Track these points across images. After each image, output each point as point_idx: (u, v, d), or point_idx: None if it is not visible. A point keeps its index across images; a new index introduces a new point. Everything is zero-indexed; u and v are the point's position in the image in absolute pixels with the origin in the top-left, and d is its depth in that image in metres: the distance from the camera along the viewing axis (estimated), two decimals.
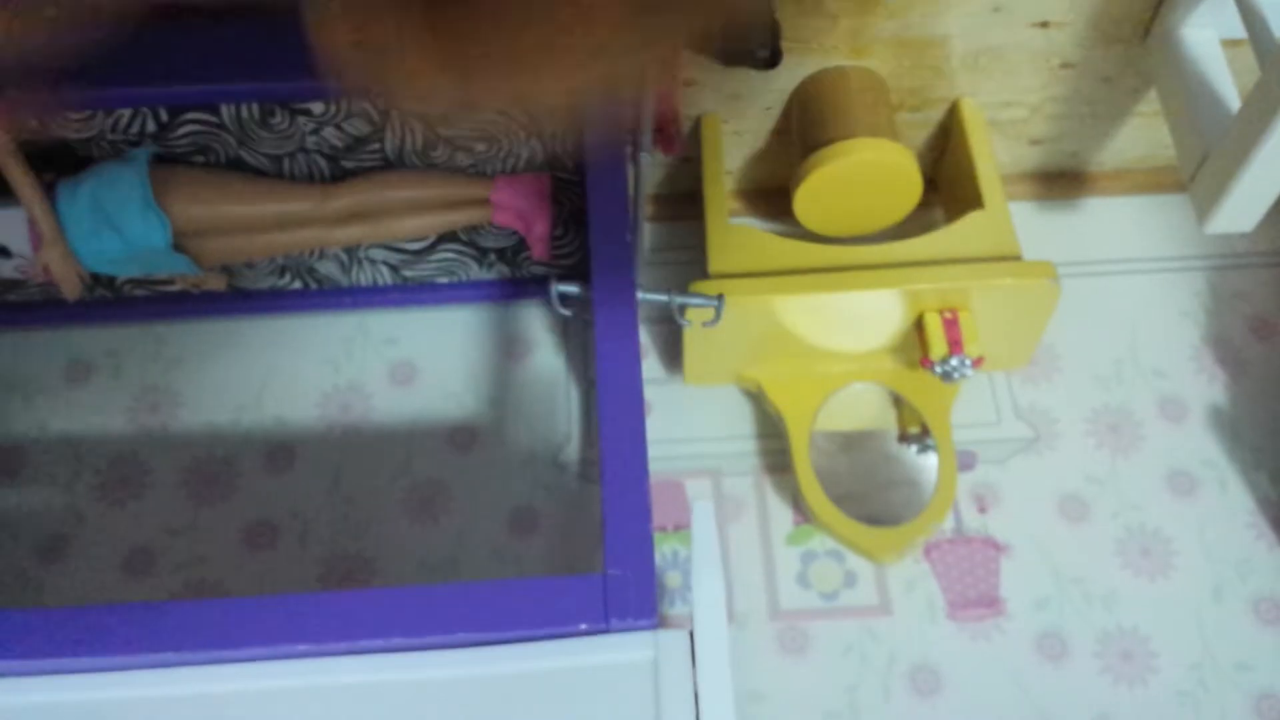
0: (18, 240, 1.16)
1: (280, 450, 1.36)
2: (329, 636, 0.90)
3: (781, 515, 1.31)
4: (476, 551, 1.31)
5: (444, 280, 1.38)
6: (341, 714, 0.89)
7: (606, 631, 0.85)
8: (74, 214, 1.14)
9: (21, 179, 1.12)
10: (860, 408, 1.31)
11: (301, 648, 0.90)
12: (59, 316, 1.40)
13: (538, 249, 1.29)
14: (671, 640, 0.85)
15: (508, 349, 1.42)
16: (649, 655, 0.85)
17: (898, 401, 1.32)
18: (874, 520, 1.25)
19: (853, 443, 1.31)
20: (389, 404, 1.39)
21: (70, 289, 1.18)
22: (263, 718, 0.88)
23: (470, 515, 1.33)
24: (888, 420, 1.33)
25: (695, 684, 0.83)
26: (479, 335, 1.43)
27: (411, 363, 1.41)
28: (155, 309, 1.39)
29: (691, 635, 0.85)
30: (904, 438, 1.32)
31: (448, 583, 1.05)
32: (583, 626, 0.85)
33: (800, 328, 1.24)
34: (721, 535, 1.30)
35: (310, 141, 1.18)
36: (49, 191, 1.14)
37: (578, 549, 1.30)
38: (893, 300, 1.21)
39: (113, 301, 1.38)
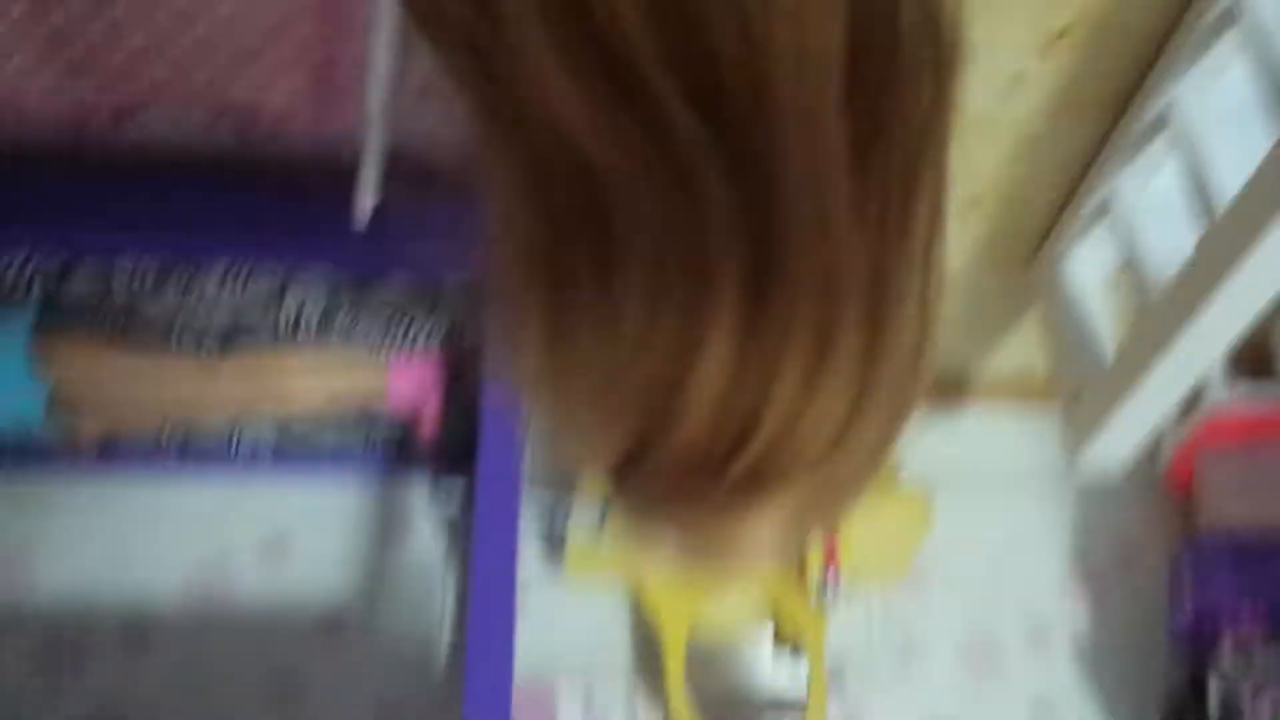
0: None
1: (135, 628, 1.29)
2: None
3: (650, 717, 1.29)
4: None
5: (327, 450, 1.35)
6: None
7: None
8: None
9: None
10: (736, 613, 1.31)
11: None
12: None
13: (428, 429, 1.27)
14: None
15: (387, 530, 1.39)
16: None
17: (772, 613, 1.32)
18: None
19: (726, 655, 1.31)
20: (255, 583, 1.34)
21: None
22: None
23: (331, 708, 1.27)
24: (761, 627, 1.32)
25: None
26: (359, 513, 1.39)
27: (283, 541, 1.37)
28: (13, 460, 1.31)
29: None
30: (778, 644, 1.32)
31: None
32: None
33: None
34: None
35: (202, 314, 1.16)
36: None
37: None
38: None
39: None
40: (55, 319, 1.15)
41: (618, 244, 0.34)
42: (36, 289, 1.13)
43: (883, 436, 0.38)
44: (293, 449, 1.34)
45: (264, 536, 1.37)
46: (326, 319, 1.19)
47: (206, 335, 1.19)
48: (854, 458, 0.37)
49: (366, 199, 1.03)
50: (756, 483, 0.36)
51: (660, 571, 1.29)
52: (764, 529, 0.39)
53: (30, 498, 1.35)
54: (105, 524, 1.34)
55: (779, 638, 1.32)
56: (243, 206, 1.13)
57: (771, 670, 1.31)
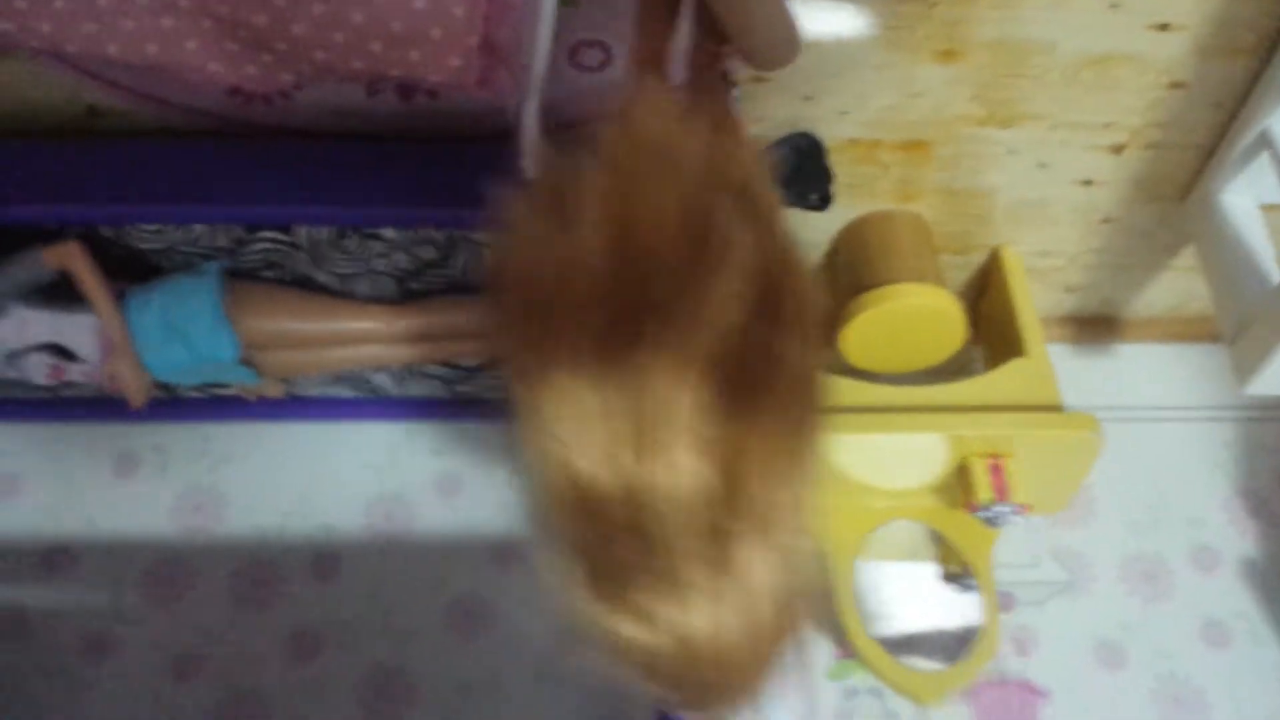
0: (86, 346, 1.18)
1: (324, 557, 1.37)
2: None
3: (823, 649, 1.31)
4: (519, 671, 1.31)
5: (495, 396, 1.39)
6: None
7: None
8: (144, 325, 1.16)
9: (95, 289, 1.14)
10: (903, 544, 1.33)
11: None
12: (109, 412, 1.41)
13: None
14: None
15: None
16: None
17: (938, 540, 1.33)
18: (916, 660, 1.26)
19: (894, 580, 1.32)
20: (433, 516, 1.40)
21: (136, 398, 1.20)
22: None
23: (512, 632, 1.33)
24: (929, 557, 1.34)
25: None
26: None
27: (457, 476, 1.43)
28: (205, 409, 1.40)
29: None
30: (945, 576, 1.33)
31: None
32: None
33: (846, 464, 1.26)
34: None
35: (379, 264, 1.21)
36: (119, 300, 1.16)
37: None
38: (938, 444, 1.23)
39: (163, 401, 1.40)
40: (242, 273, 1.21)
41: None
42: (224, 246, 1.19)
43: (773, 648, 0.57)
44: (462, 389, 1.39)
45: (438, 472, 1.43)
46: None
47: (382, 284, 1.23)
48: (764, 660, 0.58)
49: (528, 159, 1.06)
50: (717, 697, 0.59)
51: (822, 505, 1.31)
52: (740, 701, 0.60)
53: (223, 442, 1.43)
54: (291, 465, 1.42)
55: (947, 565, 1.33)
56: (409, 169, 1.17)
57: (941, 598, 1.32)
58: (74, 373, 1.21)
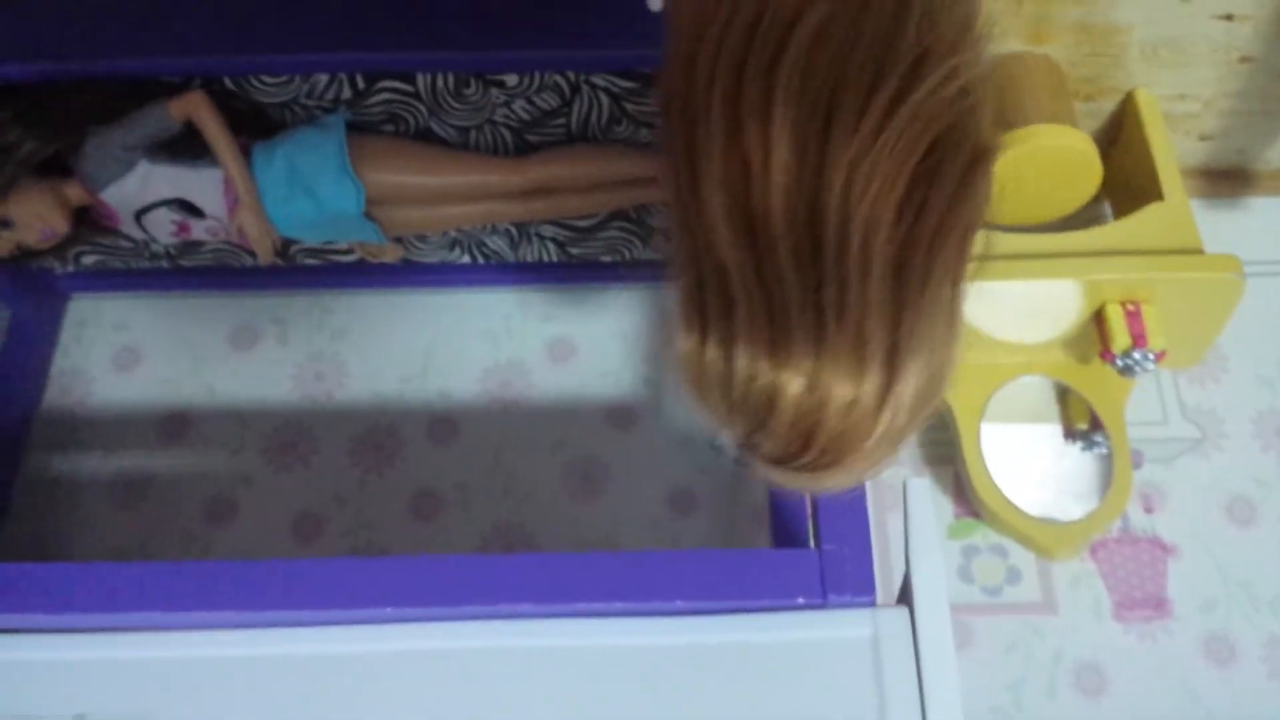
0: (212, 201, 1.18)
1: (443, 422, 1.38)
2: (527, 597, 0.91)
3: (942, 508, 1.30)
4: (635, 529, 1.31)
5: (607, 259, 1.39)
6: (539, 678, 0.89)
7: (823, 607, 0.85)
8: (270, 177, 1.16)
9: (221, 139, 1.14)
10: (1028, 401, 1.30)
11: (502, 608, 0.91)
12: (227, 283, 1.43)
13: None
14: (892, 618, 0.84)
15: (665, 330, 1.42)
16: (867, 633, 0.84)
17: (1064, 396, 1.30)
18: (1040, 516, 1.24)
19: (1020, 436, 1.30)
20: (548, 380, 1.40)
21: (264, 251, 1.20)
22: (463, 676, 0.89)
23: (628, 493, 1.33)
24: (1054, 415, 1.31)
25: (917, 663, 0.82)
26: (638, 315, 1.44)
27: (570, 341, 1.42)
28: (322, 278, 1.42)
29: (911, 613, 0.84)
30: (1070, 434, 1.30)
31: (661, 549, 1.05)
32: (799, 601, 0.85)
33: (972, 316, 1.23)
34: (879, 524, 1.29)
35: (499, 114, 1.19)
36: (245, 155, 1.16)
37: (738, 532, 1.31)
38: (1072, 291, 1.20)
39: (281, 269, 1.41)
40: (363, 127, 1.21)
41: (735, 311, 0.56)
42: (345, 98, 1.18)
43: (909, 426, 0.59)
44: (575, 251, 1.38)
45: (551, 337, 1.42)
46: (610, 126, 1.21)
47: (501, 136, 1.22)
48: (890, 441, 0.59)
49: None
50: (827, 460, 0.59)
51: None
52: (842, 478, 0.61)
53: (341, 313, 1.44)
54: (408, 333, 1.43)
55: (1074, 422, 1.30)
56: (531, 13, 1.15)
57: (1067, 451, 1.29)
58: (199, 230, 1.22)
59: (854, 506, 0.88)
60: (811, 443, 0.58)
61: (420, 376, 1.40)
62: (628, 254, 1.39)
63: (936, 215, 0.57)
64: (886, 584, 1.11)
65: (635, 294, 1.44)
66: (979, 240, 0.62)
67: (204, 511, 1.34)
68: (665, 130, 0.64)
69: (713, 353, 0.58)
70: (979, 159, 0.60)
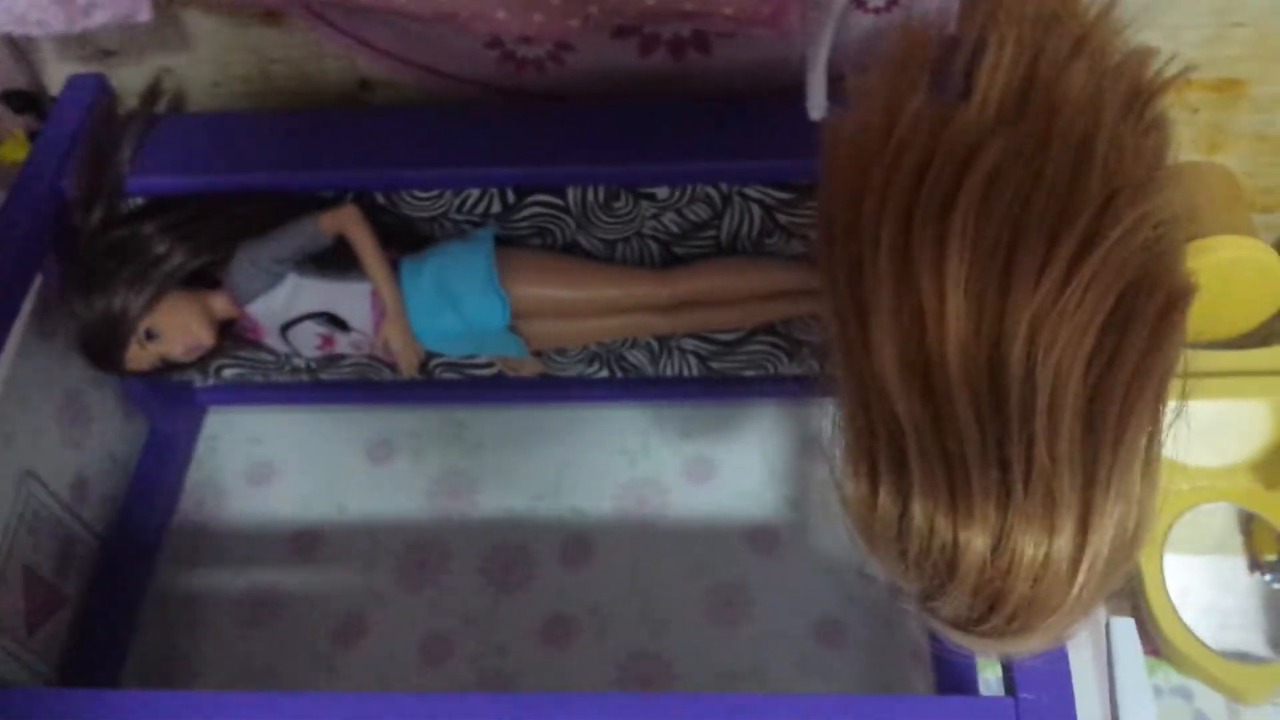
0: (358, 315, 1.17)
1: (577, 542, 1.33)
2: None
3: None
4: (780, 661, 1.24)
5: (749, 374, 1.34)
6: None
7: None
8: (417, 291, 1.15)
9: (371, 253, 1.14)
10: (1212, 530, 1.21)
11: None
12: (363, 397, 1.42)
13: None
14: None
15: (809, 449, 1.37)
16: None
17: (1250, 524, 1.21)
18: (1229, 655, 1.13)
19: (1204, 569, 1.20)
20: (686, 500, 1.35)
21: (408, 365, 1.18)
22: None
23: (772, 622, 1.26)
24: (1240, 545, 1.21)
25: None
26: (780, 433, 1.38)
27: (710, 459, 1.37)
28: (459, 393, 1.39)
29: None
30: (1258, 565, 1.20)
31: (812, 689, 0.99)
32: None
33: None
34: None
35: (648, 227, 1.17)
36: (393, 268, 1.16)
37: (893, 667, 1.22)
38: (1259, 411, 1.12)
39: (417, 383, 1.39)
40: (511, 239, 1.20)
41: (910, 463, 0.53)
42: (494, 212, 1.17)
43: (1104, 587, 0.54)
44: (717, 366, 1.34)
45: (688, 456, 1.38)
46: (760, 239, 1.18)
47: (647, 249, 1.20)
48: (1085, 604, 0.54)
49: (818, 100, 1.01)
50: (1016, 626, 0.54)
51: None
52: (1032, 644, 0.56)
53: (477, 427, 1.42)
54: (543, 448, 1.39)
55: (1262, 551, 1.20)
56: (683, 126, 1.14)
57: (1254, 588, 1.19)
58: (343, 344, 1.21)
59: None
60: (998, 607, 0.53)
61: (553, 494, 1.36)
62: (771, 369, 1.34)
63: (1130, 365, 0.54)
64: None
65: (778, 411, 1.39)
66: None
67: (334, 630, 1.30)
68: (826, 268, 0.61)
69: (886, 504, 0.54)
70: (1174, 303, 0.57)
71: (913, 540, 0.53)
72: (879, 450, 0.54)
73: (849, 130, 0.65)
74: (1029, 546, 0.51)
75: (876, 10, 1.06)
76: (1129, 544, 0.54)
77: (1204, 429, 1.14)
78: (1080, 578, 0.52)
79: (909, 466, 0.53)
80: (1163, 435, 0.57)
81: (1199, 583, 1.20)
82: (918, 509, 0.53)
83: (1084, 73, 0.62)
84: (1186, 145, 1.20)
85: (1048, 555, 0.51)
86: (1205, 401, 1.12)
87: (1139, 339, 0.54)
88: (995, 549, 0.52)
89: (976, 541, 0.52)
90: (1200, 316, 1.18)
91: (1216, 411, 1.13)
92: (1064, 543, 0.52)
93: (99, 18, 0.96)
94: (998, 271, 0.53)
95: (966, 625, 0.55)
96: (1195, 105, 1.15)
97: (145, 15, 0.99)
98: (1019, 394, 0.52)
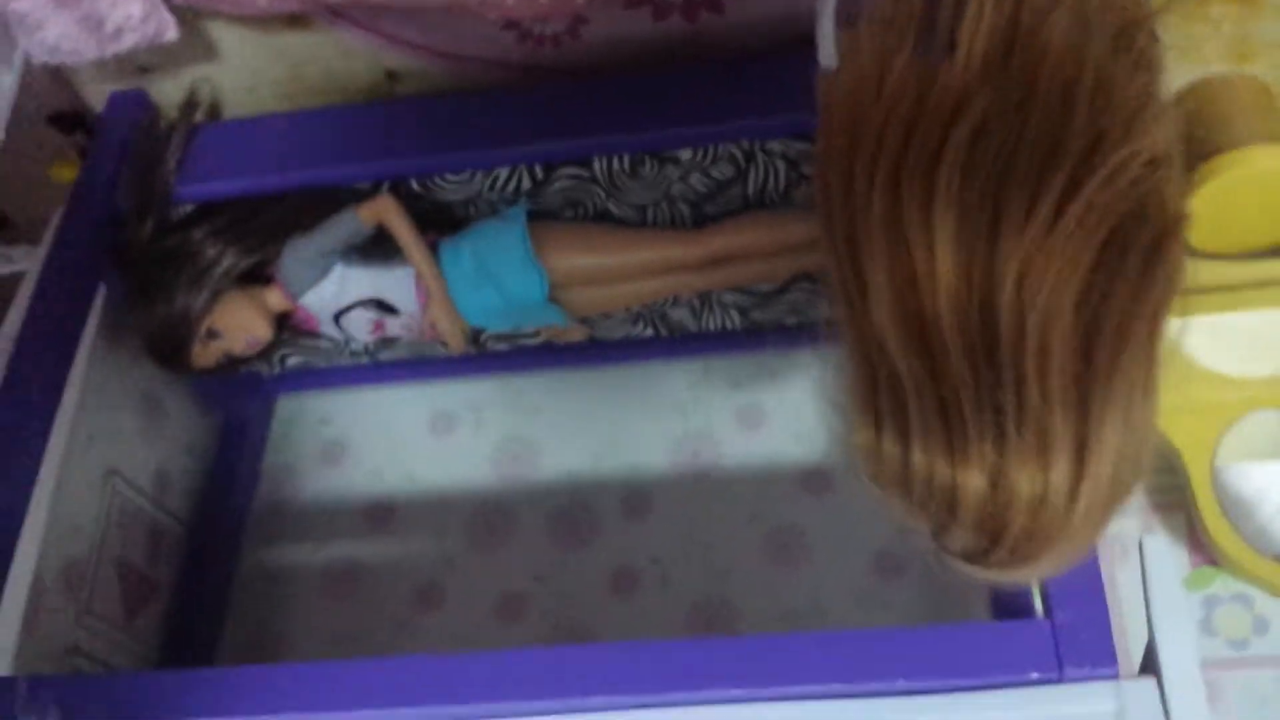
0: (405, 299, 1.22)
1: (636, 496, 1.38)
2: (740, 683, 0.89)
3: (1177, 558, 1.21)
4: (841, 597, 1.27)
5: (791, 321, 1.36)
6: None
7: (1060, 682, 0.80)
8: (457, 272, 1.19)
9: (410, 239, 1.18)
10: (1262, 438, 1.21)
11: (714, 693, 0.89)
12: (423, 373, 1.47)
13: None
14: (1139, 690, 0.78)
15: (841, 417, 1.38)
16: (1111, 707, 0.79)
17: None
18: None
19: (1255, 476, 1.20)
20: (739, 448, 1.38)
21: (456, 343, 1.23)
22: None
23: (831, 560, 1.30)
24: None
25: None
26: (826, 375, 1.40)
27: (760, 406, 1.40)
28: (513, 362, 1.44)
29: (1159, 684, 0.78)
30: None
31: (871, 627, 1.02)
32: (1033, 676, 0.80)
33: (1196, 352, 1.15)
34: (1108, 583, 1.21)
35: (676, 189, 1.19)
36: (432, 251, 1.20)
37: (952, 594, 1.25)
38: None
39: (473, 357, 1.44)
40: (544, 215, 1.23)
41: (910, 413, 0.55)
42: (525, 189, 1.20)
43: (1108, 514, 0.57)
44: (758, 316, 1.36)
45: (739, 405, 1.41)
46: (787, 191, 1.20)
47: (678, 211, 1.22)
48: (1087, 531, 0.56)
49: (828, 49, 1.01)
50: (1019, 557, 0.56)
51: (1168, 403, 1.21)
52: (1039, 571, 0.58)
53: (533, 394, 1.46)
54: (598, 409, 1.43)
55: None
56: (701, 89, 1.15)
57: None
58: (393, 327, 1.26)
59: (1087, 569, 0.83)
60: (1000, 541, 0.56)
61: (611, 452, 1.40)
62: (811, 314, 1.36)
63: (1123, 299, 0.54)
64: (1122, 650, 1.03)
65: (822, 354, 1.41)
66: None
67: (412, 597, 1.37)
68: (825, 227, 0.63)
69: (889, 447, 0.57)
70: (1167, 233, 0.56)
71: (916, 481, 0.56)
72: (881, 400, 0.57)
73: (841, 90, 0.66)
74: (1024, 483, 0.54)
75: None
76: (1129, 470, 0.56)
77: (1249, 339, 1.15)
78: (1078, 507, 0.54)
79: (909, 415, 0.56)
80: (1159, 366, 0.57)
81: (1253, 489, 1.20)
82: (918, 454, 0.55)
83: (1069, 14, 0.61)
84: (1214, 59, 1.18)
85: (1044, 489, 0.54)
86: (1249, 312, 1.12)
87: (1131, 272, 0.55)
88: (992, 485, 0.54)
89: (974, 481, 0.54)
90: (1240, 227, 1.18)
91: (1261, 321, 1.13)
92: (1059, 477, 0.54)
93: (129, 41, 1.00)
94: (985, 223, 0.54)
95: (973, 558, 0.58)
96: (1217, 19, 1.13)
97: (172, 34, 1.03)
98: (1010, 339, 0.53)
